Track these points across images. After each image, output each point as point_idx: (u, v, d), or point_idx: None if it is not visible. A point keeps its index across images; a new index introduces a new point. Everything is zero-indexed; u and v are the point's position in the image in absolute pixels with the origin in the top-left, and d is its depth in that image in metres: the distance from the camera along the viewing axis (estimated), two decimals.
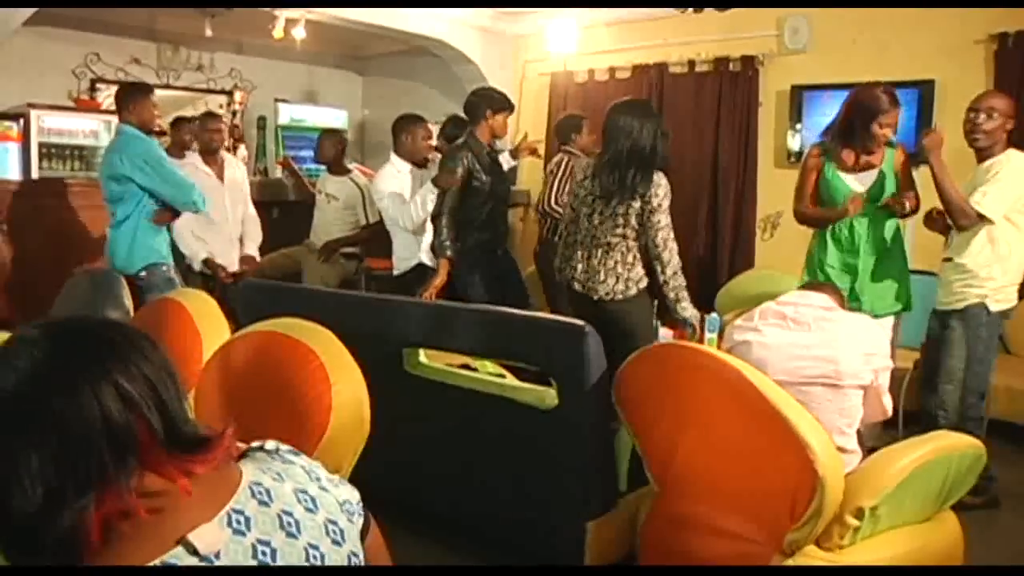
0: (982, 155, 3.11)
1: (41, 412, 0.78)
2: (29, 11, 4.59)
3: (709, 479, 2.17)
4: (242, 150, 6.08)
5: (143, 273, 3.87)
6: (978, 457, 2.31)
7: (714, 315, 3.88)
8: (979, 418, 3.13)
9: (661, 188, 3.12)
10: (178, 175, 3.95)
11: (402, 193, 4.20)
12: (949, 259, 3.21)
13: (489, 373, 3.15)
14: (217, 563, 0.80)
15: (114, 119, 6.10)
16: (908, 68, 4.82)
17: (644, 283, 3.23)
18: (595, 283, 3.20)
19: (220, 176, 4.71)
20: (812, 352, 2.25)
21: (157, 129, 4.09)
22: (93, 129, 5.64)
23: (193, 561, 0.79)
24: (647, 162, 3.15)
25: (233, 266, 4.62)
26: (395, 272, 4.27)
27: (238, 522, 0.84)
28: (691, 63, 5.65)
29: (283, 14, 5.65)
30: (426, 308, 3.04)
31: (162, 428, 0.82)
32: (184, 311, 2.95)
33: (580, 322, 2.34)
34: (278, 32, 5.78)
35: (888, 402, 2.38)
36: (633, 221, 3.14)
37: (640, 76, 5.88)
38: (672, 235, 3.19)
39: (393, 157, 4.30)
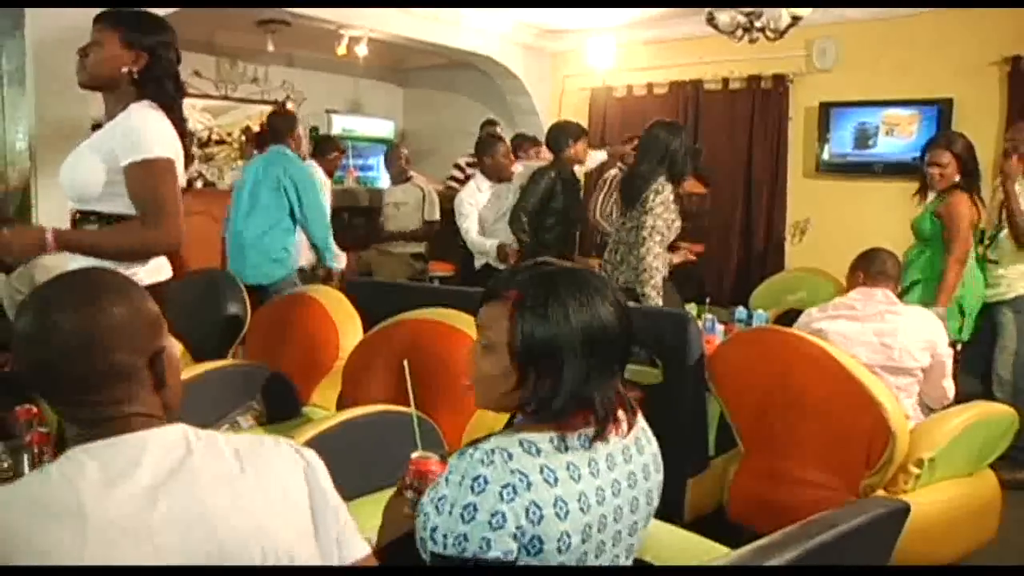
0: None
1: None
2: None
3: (794, 438, 2.63)
4: None
5: (276, 283, 4.01)
6: (1011, 423, 2.77)
7: (760, 312, 4.34)
8: None
9: None
10: (324, 210, 4.13)
11: (477, 209, 4.66)
12: (994, 262, 3.68)
13: None
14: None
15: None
16: (928, 87, 5.28)
17: None
18: None
19: None
20: (880, 339, 2.72)
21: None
22: None
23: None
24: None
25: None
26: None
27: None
28: (725, 80, 6.09)
29: (348, 33, 6.10)
30: None
31: None
32: (318, 305, 3.37)
33: (685, 311, 2.80)
34: (342, 50, 6.22)
35: (949, 386, 2.81)
36: None
37: (676, 92, 6.31)
38: None
39: (478, 175, 4.77)
